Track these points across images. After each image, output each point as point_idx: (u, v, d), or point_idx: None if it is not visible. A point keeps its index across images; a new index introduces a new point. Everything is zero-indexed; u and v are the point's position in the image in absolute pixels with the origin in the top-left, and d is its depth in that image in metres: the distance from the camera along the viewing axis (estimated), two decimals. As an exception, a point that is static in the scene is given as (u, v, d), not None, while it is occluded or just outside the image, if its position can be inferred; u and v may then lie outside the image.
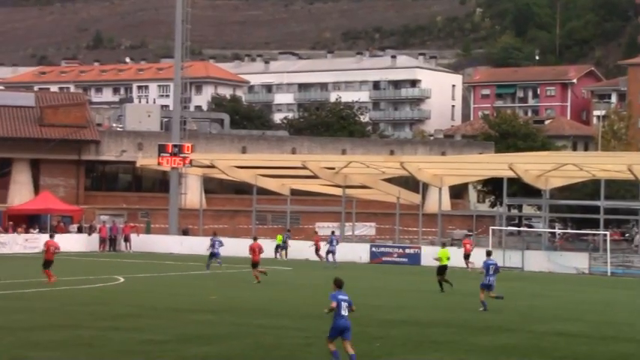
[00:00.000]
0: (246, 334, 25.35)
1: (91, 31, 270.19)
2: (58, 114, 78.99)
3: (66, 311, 29.76)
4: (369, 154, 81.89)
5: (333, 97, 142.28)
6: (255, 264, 42.82)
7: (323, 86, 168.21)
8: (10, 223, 68.24)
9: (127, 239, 68.31)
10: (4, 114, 78.80)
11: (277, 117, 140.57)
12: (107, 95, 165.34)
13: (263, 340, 24.47)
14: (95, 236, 68.82)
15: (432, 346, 24.39)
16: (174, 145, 70.95)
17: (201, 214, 73.09)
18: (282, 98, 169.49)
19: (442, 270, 40.48)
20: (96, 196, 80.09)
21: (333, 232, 60.88)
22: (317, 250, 60.33)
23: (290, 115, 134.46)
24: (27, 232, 67.49)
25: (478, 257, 48.39)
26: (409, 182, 72.50)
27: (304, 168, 66.25)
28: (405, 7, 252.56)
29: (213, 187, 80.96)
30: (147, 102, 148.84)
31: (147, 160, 76.44)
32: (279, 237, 63.59)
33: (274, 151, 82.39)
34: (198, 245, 62.94)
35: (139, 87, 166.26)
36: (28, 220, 70.16)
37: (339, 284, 20.64)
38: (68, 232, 69.80)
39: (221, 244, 50.51)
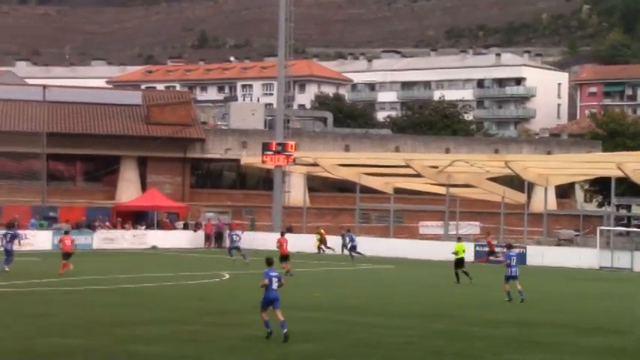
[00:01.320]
0: (348, 332, 25.31)
1: (196, 31, 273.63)
2: (165, 112, 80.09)
3: (172, 306, 30.13)
4: (473, 152, 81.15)
5: (436, 95, 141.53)
6: (283, 257, 43.90)
7: (426, 84, 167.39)
8: (118, 219, 69.44)
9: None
10: (113, 112, 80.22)
11: (380, 115, 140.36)
12: (212, 94, 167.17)
13: (364, 338, 24.41)
14: (200, 233, 69.64)
15: (537, 347, 24.00)
16: (278, 144, 71.37)
17: (304, 212, 73.33)
18: (385, 96, 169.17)
19: (460, 262, 42.31)
20: (201, 194, 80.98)
21: (348, 230, 62.68)
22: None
23: (393, 113, 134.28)
24: (134, 228, 68.68)
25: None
26: (514, 181, 71.61)
27: (408, 166, 65.97)
28: (510, 4, 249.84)
29: (316, 185, 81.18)
30: (251, 100, 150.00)
31: (251, 158, 77.04)
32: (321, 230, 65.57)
33: (377, 150, 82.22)
34: (301, 243, 63.16)
35: (243, 85, 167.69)
36: (135, 217, 71.33)
37: (269, 262, 23.95)
38: (174, 228, 70.79)
39: (239, 237, 51.49)
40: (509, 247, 36.90)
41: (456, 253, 42.69)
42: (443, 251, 57.72)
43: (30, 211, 66.59)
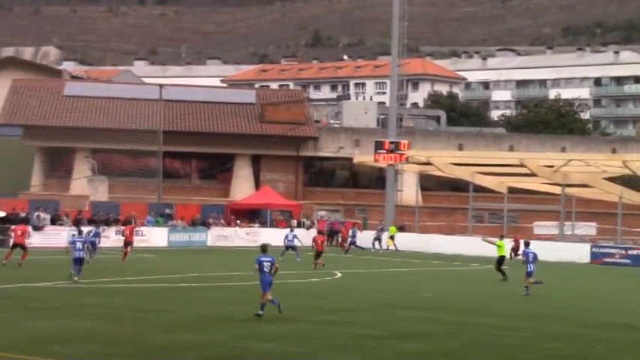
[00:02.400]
0: (462, 332, 25.09)
1: (310, 30, 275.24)
2: (278, 111, 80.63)
3: (284, 304, 30.21)
4: (590, 152, 79.61)
5: (552, 94, 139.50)
6: (319, 253, 46.15)
7: (542, 83, 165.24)
8: (232, 217, 70.19)
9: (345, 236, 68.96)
10: (228, 111, 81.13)
11: (494, 114, 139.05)
12: (325, 92, 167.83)
13: (480, 338, 24.15)
14: (313, 231, 69.85)
15: (657, 351, 23.47)
16: (391, 142, 71.25)
17: (417, 211, 73.03)
18: (499, 95, 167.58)
19: (503, 260, 42.75)
20: (314, 192, 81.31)
21: (353, 225, 66.23)
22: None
23: (508, 112, 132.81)
24: (248, 226, 69.35)
25: None
26: (632, 181, 70.12)
27: (522, 166, 65.17)
28: (628, 1, 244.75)
29: (429, 184, 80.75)
30: (364, 99, 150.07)
31: (363, 156, 77.03)
32: (393, 228, 66.20)
33: (491, 149, 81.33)
34: (413, 242, 62.94)
35: (356, 84, 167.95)
36: (248, 215, 72.02)
37: (263, 249, 26.62)
38: (289, 226, 71.21)
39: (295, 237, 51.72)
40: (527, 244, 38.26)
41: (498, 247, 42.94)
42: (557, 252, 56.93)
43: (146, 208, 67.78)
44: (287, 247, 51.04)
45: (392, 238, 65.69)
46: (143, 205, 68.18)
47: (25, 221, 54.23)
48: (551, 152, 77.99)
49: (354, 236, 63.95)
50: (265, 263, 25.89)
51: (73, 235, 39.29)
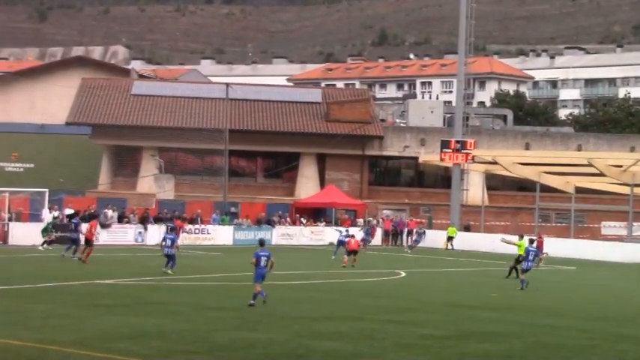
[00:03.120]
0: (528, 333, 24.87)
1: (376, 28, 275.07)
2: (344, 110, 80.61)
3: (348, 303, 30.30)
4: (660, 151, 78.50)
5: (621, 92, 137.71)
6: (351, 251, 46.02)
7: (611, 81, 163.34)
8: (297, 215, 70.35)
9: (410, 233, 68.84)
10: (293, 110, 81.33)
11: (562, 113, 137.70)
12: (391, 91, 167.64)
13: (545, 339, 23.92)
14: (379, 230, 69.83)
15: None
16: (457, 141, 70.90)
17: (482, 210, 72.59)
18: (567, 94, 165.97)
19: (520, 259, 41.31)
20: (379, 191, 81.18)
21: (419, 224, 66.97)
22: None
23: (575, 111, 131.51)
24: (313, 224, 69.46)
25: None
26: (703, 182, 68.95)
27: (590, 165, 64.45)
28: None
29: (495, 183, 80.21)
30: (430, 98, 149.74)
31: (429, 155, 76.76)
32: (452, 229, 65.78)
33: (558, 148, 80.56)
34: (479, 242, 62.54)
35: (423, 83, 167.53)
36: (313, 213, 72.14)
37: (261, 243, 28.72)
38: (355, 225, 71.20)
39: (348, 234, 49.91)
40: (531, 241, 39.24)
41: (518, 247, 42.17)
42: (625, 252, 56.21)
43: (212, 206, 68.24)
44: (338, 244, 50.44)
45: (450, 239, 65.37)
46: (209, 204, 68.64)
47: (94, 217, 54.88)
48: (619, 152, 77.02)
49: (419, 235, 63.76)
50: (262, 257, 27.55)
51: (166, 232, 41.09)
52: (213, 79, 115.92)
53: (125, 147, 78.70)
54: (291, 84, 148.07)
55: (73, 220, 46.56)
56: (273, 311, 26.87)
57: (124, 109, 79.20)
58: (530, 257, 37.60)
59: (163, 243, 37.75)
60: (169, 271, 36.87)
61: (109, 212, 59.59)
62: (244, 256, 50.88)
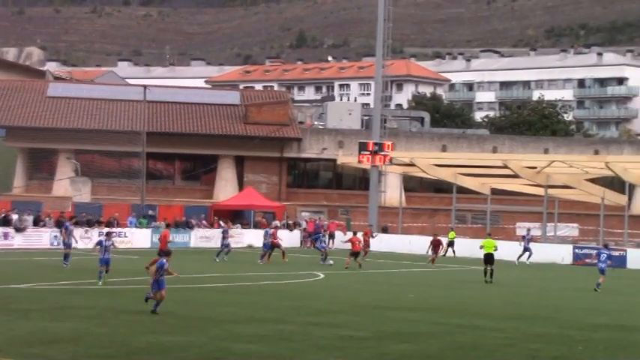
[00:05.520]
0: (445, 333, 25.14)
1: (294, 31, 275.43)
2: (262, 112, 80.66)
3: (268, 305, 30.30)
4: (572, 153, 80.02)
5: (535, 95, 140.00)
6: (355, 253, 47.38)
7: (525, 84, 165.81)
8: (216, 218, 70.12)
9: (331, 236, 69.05)
10: (211, 112, 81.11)
11: (478, 115, 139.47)
12: (309, 93, 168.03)
13: (462, 339, 24.21)
14: (296, 232, 69.92)
15: (637, 351, 23.53)
16: (375, 143, 71.35)
17: (400, 212, 73.20)
18: (483, 96, 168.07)
19: (488, 258, 42.46)
20: (297, 193, 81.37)
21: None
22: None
23: (491, 113, 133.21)
24: (231, 227, 69.20)
25: None
26: (614, 183, 70.49)
27: (505, 167, 65.38)
28: (613, 2, 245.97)
29: (413, 185, 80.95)
30: (348, 100, 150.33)
31: (347, 157, 77.15)
32: (452, 233, 63.76)
33: (475, 150, 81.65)
34: (396, 243, 62.98)
35: (341, 85, 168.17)
36: (232, 216, 71.95)
37: (164, 254, 27.64)
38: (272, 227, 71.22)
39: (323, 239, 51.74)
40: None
41: (481, 247, 43.06)
42: (540, 253, 57.07)
43: (129, 209, 67.68)
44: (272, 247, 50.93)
45: (451, 244, 62.45)
46: (126, 207, 68.06)
47: (6, 222, 54.08)
48: (533, 153, 78.34)
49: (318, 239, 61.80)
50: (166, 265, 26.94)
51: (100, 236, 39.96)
52: (131, 82, 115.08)
53: (40, 149, 77.67)
54: (210, 86, 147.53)
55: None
56: (193, 314, 26.76)
57: (40, 111, 78.16)
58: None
59: (98, 247, 36.37)
60: (100, 283, 34.97)
61: (24, 216, 58.74)
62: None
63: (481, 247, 43.40)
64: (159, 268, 26.79)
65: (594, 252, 42.32)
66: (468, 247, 60.64)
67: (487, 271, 42.27)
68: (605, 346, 24.17)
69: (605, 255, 40.95)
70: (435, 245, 54.80)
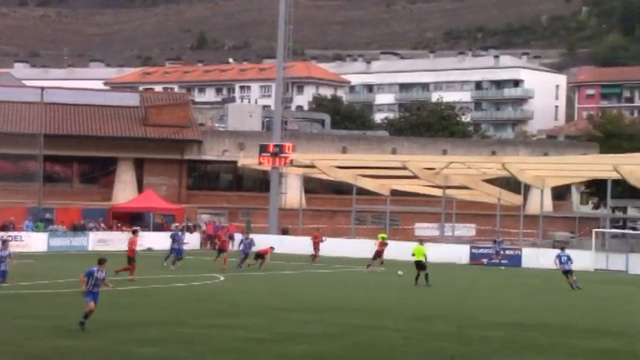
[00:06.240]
0: (344, 334, 25.36)
1: (194, 32, 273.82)
2: (162, 114, 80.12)
3: (167, 308, 30.18)
4: (470, 154, 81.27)
5: (434, 97, 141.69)
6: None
7: (424, 86, 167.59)
8: (114, 221, 69.43)
9: (231, 238, 68.83)
10: (110, 114, 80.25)
11: (378, 117, 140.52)
12: (210, 95, 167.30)
13: (360, 339, 24.45)
14: (196, 235, 69.62)
15: (533, 348, 24.07)
16: (276, 145, 71.42)
17: (300, 213, 73.41)
18: (383, 98, 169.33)
19: (419, 265, 42.50)
20: (197, 195, 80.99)
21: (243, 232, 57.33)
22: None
23: (391, 115, 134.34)
24: (130, 230, 68.52)
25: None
26: (510, 183, 71.76)
27: (404, 168, 66.06)
28: (509, 5, 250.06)
29: (313, 186, 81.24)
30: (249, 102, 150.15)
31: (248, 159, 77.07)
32: (382, 235, 62.44)
33: (374, 152, 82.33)
34: (298, 244, 63.16)
35: (242, 87, 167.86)
36: (131, 219, 71.29)
37: (100, 261, 25.46)
38: (171, 230, 70.72)
39: (252, 243, 49.60)
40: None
41: (412, 255, 43.13)
42: (438, 253, 57.71)
43: (25, 212, 66.57)
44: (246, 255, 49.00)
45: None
46: (22, 210, 66.96)
47: None
48: (432, 155, 79.30)
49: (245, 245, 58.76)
50: (99, 275, 25.13)
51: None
52: (28, 83, 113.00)
53: None
54: (108, 88, 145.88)
55: None
56: (93, 318, 26.49)
57: None
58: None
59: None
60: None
61: None
62: (58, 263, 49.99)
63: (413, 255, 43.21)
64: (88, 276, 24.87)
65: (556, 258, 43.44)
66: (367, 248, 61.20)
67: (419, 276, 42.08)
68: (501, 344, 24.65)
69: (566, 257, 42.55)
70: (316, 243, 55.83)
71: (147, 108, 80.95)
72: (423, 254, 42.93)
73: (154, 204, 72.35)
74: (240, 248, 50.08)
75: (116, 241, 65.41)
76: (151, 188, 76.53)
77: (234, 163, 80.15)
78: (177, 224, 69.87)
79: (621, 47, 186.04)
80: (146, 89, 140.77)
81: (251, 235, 52.59)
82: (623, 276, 54.02)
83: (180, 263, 48.54)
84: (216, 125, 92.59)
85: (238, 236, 67.39)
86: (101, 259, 25.59)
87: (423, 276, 42.07)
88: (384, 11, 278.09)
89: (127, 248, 42.83)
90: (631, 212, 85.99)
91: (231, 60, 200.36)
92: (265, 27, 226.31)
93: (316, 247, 56.26)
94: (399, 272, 45.63)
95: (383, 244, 51.58)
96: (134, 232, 45.86)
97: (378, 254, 51.23)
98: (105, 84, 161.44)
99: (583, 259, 56.25)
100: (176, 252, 49.19)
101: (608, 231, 65.17)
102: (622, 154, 73.47)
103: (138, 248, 60.94)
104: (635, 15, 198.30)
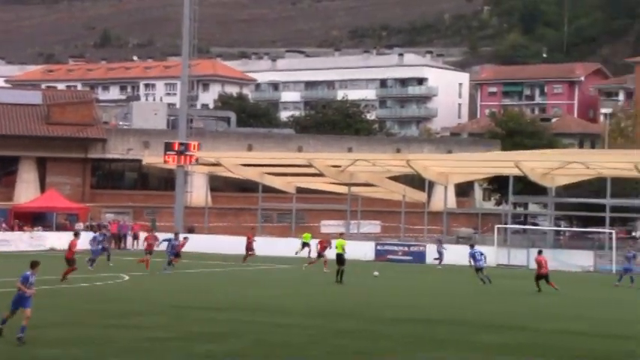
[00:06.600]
0: (250, 332, 25.40)
1: (98, 29, 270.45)
2: (65, 112, 79.13)
3: (71, 309, 29.86)
4: (375, 152, 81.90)
5: (339, 95, 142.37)
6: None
7: (330, 84, 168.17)
8: (16, 221, 68.34)
9: (135, 237, 68.39)
10: (12, 112, 78.97)
11: (284, 115, 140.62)
12: (114, 93, 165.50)
13: (267, 337, 24.52)
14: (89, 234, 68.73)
15: (437, 344, 24.43)
16: (181, 143, 71.08)
17: (206, 212, 73.20)
18: (288, 96, 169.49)
19: (339, 259, 42.99)
20: (102, 195, 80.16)
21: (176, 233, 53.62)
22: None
23: (296, 113, 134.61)
24: (32, 230, 67.57)
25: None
26: (415, 180, 72.52)
27: (310, 166, 66.31)
28: (412, 4, 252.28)
29: (218, 185, 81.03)
30: (154, 100, 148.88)
31: (153, 158, 76.55)
32: (307, 235, 61.89)
33: (280, 149, 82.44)
34: (203, 243, 62.94)
35: (146, 85, 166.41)
36: (33, 218, 70.28)
37: (32, 265, 23.78)
38: (74, 230, 69.82)
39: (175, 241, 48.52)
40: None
41: (335, 248, 44.04)
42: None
43: None
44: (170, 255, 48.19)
45: (305, 245, 60.45)
46: None
47: None
48: (337, 152, 79.77)
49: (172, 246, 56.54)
50: (32, 280, 23.69)
51: None
52: None
53: None
54: (10, 85, 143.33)
55: None
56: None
57: None
58: None
59: None
60: None
61: None
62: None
63: (336, 247, 43.99)
64: (25, 281, 23.37)
65: (469, 257, 44.80)
66: (272, 246, 61.52)
67: (339, 271, 42.34)
68: (408, 340, 24.94)
69: (479, 253, 44.05)
70: (249, 242, 55.85)
71: (49, 106, 79.84)
72: (342, 247, 43.74)
73: (57, 203, 71.42)
74: (169, 250, 47.72)
75: (18, 241, 64.46)
76: (53, 187, 75.50)
77: (139, 161, 79.54)
78: (82, 223, 69.16)
79: (522, 46, 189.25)
80: (49, 87, 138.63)
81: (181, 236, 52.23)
82: (525, 271, 55.00)
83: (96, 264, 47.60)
84: (121, 123, 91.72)
85: (143, 234, 66.93)
86: (34, 262, 24.05)
87: (340, 271, 42.36)
88: (290, 9, 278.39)
89: (66, 249, 41.50)
90: (532, 208, 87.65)
91: (135, 58, 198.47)
92: (170, 24, 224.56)
93: (249, 246, 55.79)
94: (375, 273, 46.07)
95: (324, 243, 50.79)
96: (75, 235, 44.72)
97: (320, 253, 50.33)
98: (6, 82, 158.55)
99: (486, 255, 57.07)
100: (169, 254, 47.20)
101: (509, 227, 66.37)
102: (523, 151, 74.90)
103: (39, 248, 60.45)
104: (535, 14, 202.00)
